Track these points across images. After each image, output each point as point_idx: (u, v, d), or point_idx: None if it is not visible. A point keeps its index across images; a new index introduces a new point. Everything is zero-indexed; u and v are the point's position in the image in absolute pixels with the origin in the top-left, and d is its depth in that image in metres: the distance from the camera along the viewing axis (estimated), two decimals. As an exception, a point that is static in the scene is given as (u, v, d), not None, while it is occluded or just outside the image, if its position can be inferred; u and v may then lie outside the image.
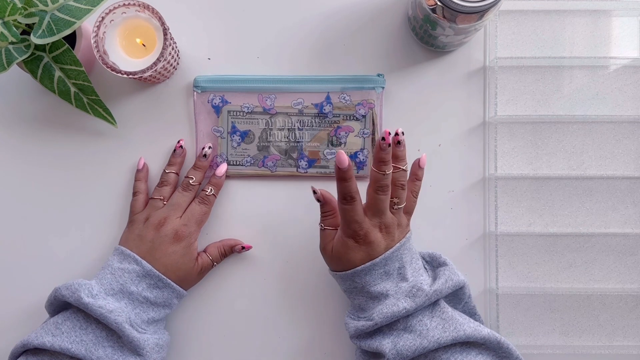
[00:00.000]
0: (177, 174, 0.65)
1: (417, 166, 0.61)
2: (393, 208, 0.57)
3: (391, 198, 0.57)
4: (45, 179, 0.67)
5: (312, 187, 0.60)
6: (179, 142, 0.65)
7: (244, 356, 0.66)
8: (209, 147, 0.64)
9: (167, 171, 0.64)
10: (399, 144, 0.57)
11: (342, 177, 0.55)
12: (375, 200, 0.56)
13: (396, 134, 0.57)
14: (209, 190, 0.64)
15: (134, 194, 0.65)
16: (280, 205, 0.67)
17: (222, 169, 0.65)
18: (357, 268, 0.57)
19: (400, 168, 0.57)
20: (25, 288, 0.66)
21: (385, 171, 0.55)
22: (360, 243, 0.56)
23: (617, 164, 0.67)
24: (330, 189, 0.60)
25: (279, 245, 0.67)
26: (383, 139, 0.55)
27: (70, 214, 0.67)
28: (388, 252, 0.57)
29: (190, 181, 0.63)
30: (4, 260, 0.67)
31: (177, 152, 0.65)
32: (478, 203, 0.67)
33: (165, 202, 0.63)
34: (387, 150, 0.55)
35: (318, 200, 0.60)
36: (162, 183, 0.64)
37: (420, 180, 0.61)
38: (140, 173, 0.65)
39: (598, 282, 0.67)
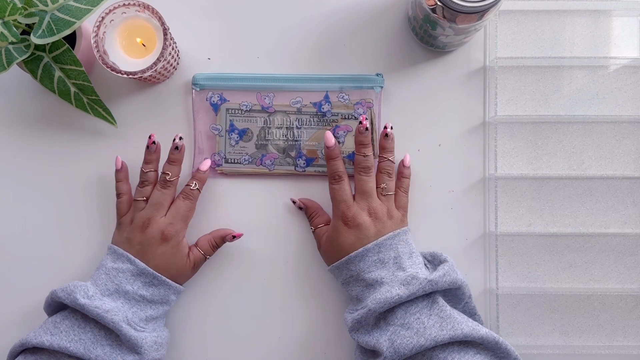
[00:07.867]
0: (156, 171, 0.63)
1: (402, 165, 0.65)
2: (382, 194, 0.61)
3: (379, 185, 0.61)
4: (45, 178, 0.67)
5: (291, 199, 0.65)
6: (150, 137, 0.62)
7: (243, 355, 0.66)
8: (180, 138, 0.62)
9: (145, 170, 0.62)
10: (387, 136, 0.63)
11: (330, 155, 0.62)
12: (359, 181, 0.61)
13: (385, 127, 0.63)
14: (193, 185, 0.62)
15: (118, 195, 0.63)
16: (278, 203, 0.66)
17: (207, 163, 0.64)
18: (351, 254, 0.59)
19: (386, 158, 0.62)
20: (24, 287, 0.66)
21: (364, 153, 0.61)
22: (349, 225, 0.59)
23: (617, 164, 0.66)
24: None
25: (277, 244, 0.66)
26: (360, 122, 0.61)
27: (70, 214, 0.67)
28: (381, 238, 0.59)
29: (167, 177, 0.61)
30: (3, 260, 0.67)
31: (151, 148, 0.62)
32: (478, 203, 0.66)
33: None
34: (365, 133, 0.61)
35: (300, 208, 0.65)
36: (142, 183, 0.62)
37: (407, 178, 0.64)
38: (120, 173, 0.64)
39: (598, 282, 0.66)
